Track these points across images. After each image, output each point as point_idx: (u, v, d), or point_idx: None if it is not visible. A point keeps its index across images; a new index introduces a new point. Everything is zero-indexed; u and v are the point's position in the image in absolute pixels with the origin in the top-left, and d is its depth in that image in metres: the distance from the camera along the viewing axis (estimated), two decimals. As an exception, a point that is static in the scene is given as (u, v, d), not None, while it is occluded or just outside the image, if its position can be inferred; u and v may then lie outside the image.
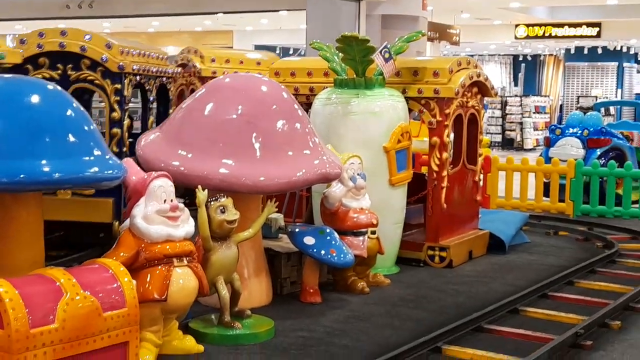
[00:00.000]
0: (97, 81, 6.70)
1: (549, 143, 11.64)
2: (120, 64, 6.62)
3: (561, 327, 5.12)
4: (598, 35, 23.11)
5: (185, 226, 4.59)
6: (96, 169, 4.37)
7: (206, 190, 4.97)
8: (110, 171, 4.51)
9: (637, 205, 9.77)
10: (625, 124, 12.88)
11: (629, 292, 5.96)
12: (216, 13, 22.30)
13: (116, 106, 6.68)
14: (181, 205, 4.62)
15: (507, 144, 26.14)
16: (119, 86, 6.67)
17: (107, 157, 4.51)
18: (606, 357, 4.79)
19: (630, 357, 4.81)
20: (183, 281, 4.52)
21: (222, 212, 5.00)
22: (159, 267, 4.47)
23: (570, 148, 11.12)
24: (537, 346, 4.69)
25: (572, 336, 4.87)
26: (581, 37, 23.48)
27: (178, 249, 4.52)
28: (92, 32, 6.84)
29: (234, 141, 5.36)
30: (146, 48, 7.32)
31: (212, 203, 4.99)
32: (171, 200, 4.57)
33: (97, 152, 4.41)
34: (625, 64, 29.41)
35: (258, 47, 27.00)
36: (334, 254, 5.80)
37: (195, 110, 5.57)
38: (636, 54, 29.97)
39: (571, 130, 11.37)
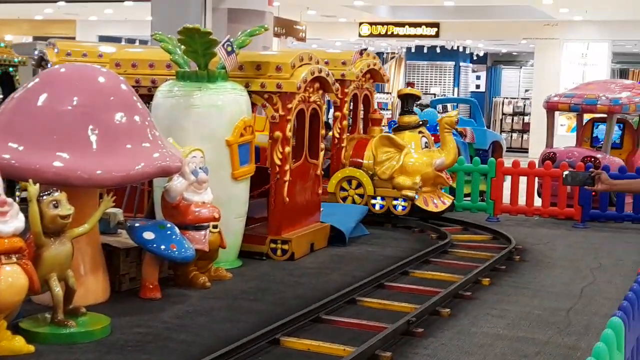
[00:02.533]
0: None
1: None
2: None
3: (395, 316, 5.31)
4: (437, 35, 24.08)
5: (14, 222, 4.42)
6: None
7: (37, 184, 4.78)
8: None
9: (469, 199, 10.27)
10: (459, 120, 13.48)
11: (459, 281, 6.26)
12: (57, 1, 21.44)
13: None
14: (10, 200, 4.44)
15: (352, 139, 26.63)
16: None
17: None
18: (436, 343, 5.01)
19: (458, 342, 5.06)
20: (12, 279, 4.36)
21: (55, 206, 4.83)
22: (-14, 264, 4.27)
23: None
24: (372, 335, 4.85)
25: (404, 324, 5.07)
26: (421, 36, 24.38)
27: (6, 245, 4.35)
28: None
29: (69, 133, 5.19)
30: None
31: (44, 197, 4.81)
32: (-1, 195, 4.37)
33: None
34: (461, 64, 30.81)
35: (102, 39, 26.18)
36: (175, 249, 5.75)
37: (28, 101, 5.34)
38: (471, 53, 31.46)
39: None
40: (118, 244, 5.98)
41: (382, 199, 9.01)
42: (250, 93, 7.05)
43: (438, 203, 8.97)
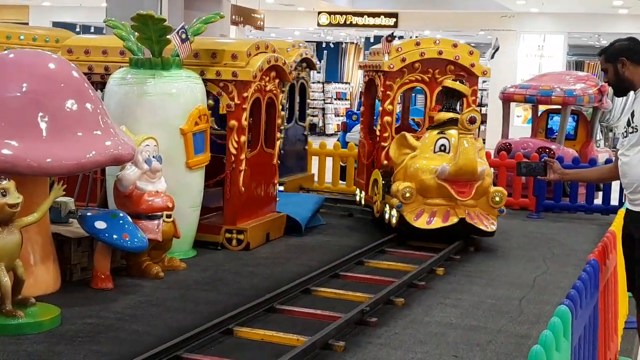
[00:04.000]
0: None
1: (346, 128, 11.99)
2: None
3: (350, 306, 5.31)
4: (395, 25, 24.11)
5: (-41, 210, 4.30)
6: None
7: (-15, 172, 4.68)
8: None
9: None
10: (416, 110, 13.56)
11: (413, 271, 6.29)
12: (9, -15, 20.98)
13: None
14: (-45, 188, 4.32)
15: (310, 129, 26.67)
16: None
17: None
18: (389, 332, 5.02)
19: (412, 331, 5.08)
20: (-43, 269, 4.23)
21: (4, 195, 4.73)
22: None
23: None
24: (326, 325, 4.84)
25: (358, 314, 5.07)
26: (379, 26, 24.38)
27: (-49, 234, 4.23)
28: None
29: (17, 120, 5.08)
30: None
31: (-9, 186, 4.71)
32: (-57, 183, 4.26)
33: None
34: (419, 54, 30.86)
35: (57, 25, 25.69)
36: (127, 239, 5.68)
37: (-26, 87, 5.21)
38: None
39: None
40: (69, 234, 5.88)
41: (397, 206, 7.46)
42: (205, 81, 6.98)
43: (436, 221, 7.28)
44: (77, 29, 25.35)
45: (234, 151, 7.07)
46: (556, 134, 11.42)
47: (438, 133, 7.47)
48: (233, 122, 7.02)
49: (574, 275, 6.60)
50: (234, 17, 17.04)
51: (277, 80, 7.68)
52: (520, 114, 22.04)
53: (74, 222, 6.02)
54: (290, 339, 4.71)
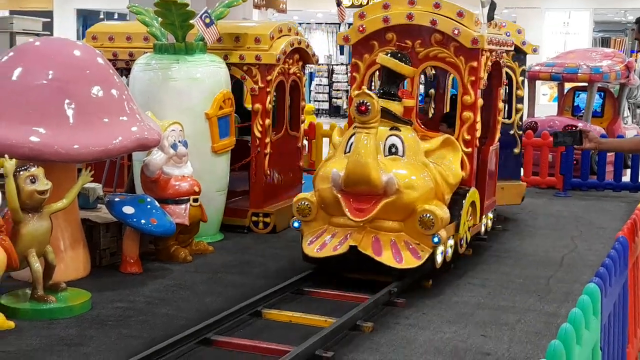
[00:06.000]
0: None
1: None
2: None
3: (378, 287, 5.30)
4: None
5: (-10, 198, 4.36)
6: None
7: (14, 160, 4.73)
8: None
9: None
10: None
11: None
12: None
13: None
14: (-15, 176, 4.38)
15: (334, 111, 26.67)
16: None
17: None
18: (417, 313, 5.03)
19: (439, 312, 5.08)
20: (-11, 255, 4.30)
21: (33, 182, 4.78)
22: (-38, 241, 4.23)
23: None
24: (354, 306, 4.85)
25: (386, 294, 5.08)
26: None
27: (-18, 221, 4.29)
28: None
29: (44, 108, 5.12)
30: None
31: (21, 173, 4.76)
32: (-27, 171, 4.32)
33: None
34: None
35: (81, 11, 25.88)
36: (155, 223, 5.72)
37: (2, 75, 5.26)
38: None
39: None
40: (98, 219, 5.94)
41: None
42: (229, 65, 6.98)
43: (328, 247, 5.38)
44: (101, 16, 25.48)
45: (258, 134, 7.08)
46: (583, 111, 11.29)
47: (359, 127, 5.15)
48: (257, 106, 7.03)
49: (602, 253, 6.55)
50: (256, 0, 17.02)
51: (300, 63, 7.67)
52: (546, 92, 21.84)
53: (102, 207, 6.08)
54: (318, 320, 4.73)
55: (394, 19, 5.99)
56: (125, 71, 7.22)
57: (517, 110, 7.86)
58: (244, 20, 11.18)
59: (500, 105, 6.72)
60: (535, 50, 8.03)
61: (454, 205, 5.61)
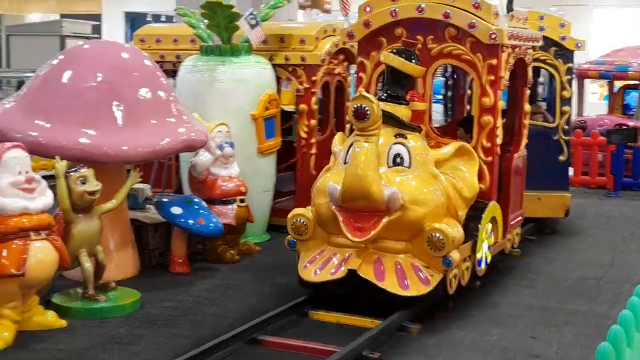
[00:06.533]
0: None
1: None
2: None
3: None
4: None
5: (42, 198, 4.45)
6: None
7: (65, 161, 4.82)
8: (-41, 142, 4.29)
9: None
10: None
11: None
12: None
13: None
14: (37, 177, 4.47)
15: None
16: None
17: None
18: (465, 314, 5.00)
19: (487, 313, 5.04)
20: (41, 255, 4.39)
21: (83, 183, 4.86)
22: (15, 241, 4.32)
23: None
24: (400, 308, 4.82)
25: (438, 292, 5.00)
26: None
27: (35, 222, 4.38)
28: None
29: (94, 110, 5.21)
30: None
31: (72, 174, 4.84)
32: (26, 172, 4.40)
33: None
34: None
35: (129, 14, 26.19)
36: (202, 223, 5.77)
37: (52, 79, 5.36)
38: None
39: None
40: (146, 219, 6.01)
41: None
42: (274, 66, 7.01)
43: (325, 270, 4.88)
44: (149, 18, 25.77)
45: (304, 135, 7.10)
46: (633, 110, 11.10)
47: (358, 135, 4.63)
48: (303, 106, 7.05)
49: (654, 254, 6.44)
50: (301, 1, 17.05)
51: (345, 64, 7.66)
52: (596, 91, 21.48)
53: (151, 208, 6.15)
54: (365, 321, 4.72)
55: (403, 12, 5.39)
56: (172, 73, 7.30)
57: (563, 113, 7.17)
58: (288, 22, 11.23)
59: (527, 107, 6.02)
60: (578, 46, 7.23)
61: (470, 222, 5.01)
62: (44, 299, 4.79)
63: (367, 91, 5.35)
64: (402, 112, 5.00)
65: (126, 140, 5.15)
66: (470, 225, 5.02)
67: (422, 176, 4.78)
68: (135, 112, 5.28)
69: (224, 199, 6.11)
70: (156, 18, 26.20)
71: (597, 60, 11.64)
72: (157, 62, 6.51)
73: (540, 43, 6.25)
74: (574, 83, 11.69)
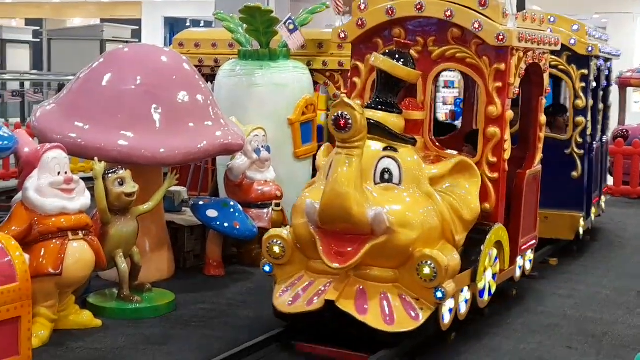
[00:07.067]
0: None
1: (454, 117, 11.85)
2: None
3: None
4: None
5: (80, 199, 4.50)
6: (-15, 139, 4.21)
7: (103, 162, 4.86)
8: (1, 142, 4.35)
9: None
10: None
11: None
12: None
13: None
14: (76, 178, 4.52)
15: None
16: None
17: (-3, 127, 4.36)
18: (502, 321, 4.94)
19: (524, 321, 4.97)
20: (79, 255, 4.44)
21: (121, 184, 4.90)
22: (53, 240, 4.38)
23: None
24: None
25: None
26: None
27: (73, 222, 4.43)
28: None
29: (132, 112, 5.25)
30: None
31: (109, 175, 4.89)
32: (65, 173, 4.46)
33: (-15, 123, 4.25)
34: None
35: (168, 19, 26.48)
36: (238, 227, 5.78)
37: (92, 81, 5.42)
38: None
39: None
40: (182, 222, 6.05)
41: None
42: (312, 71, 7.02)
43: (302, 300, 4.35)
44: (188, 23, 26.01)
45: (341, 140, 7.06)
46: (676, 119, 10.91)
47: (339, 148, 4.04)
48: (340, 112, 7.01)
49: (696, 265, 6.32)
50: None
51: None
52: (638, 100, 21.17)
53: (187, 210, 6.18)
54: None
55: (400, 11, 4.84)
56: (210, 77, 7.34)
57: (576, 125, 6.58)
58: (327, 27, 11.24)
59: (542, 119, 5.41)
60: (590, 50, 6.56)
61: (471, 248, 4.49)
62: (80, 299, 4.84)
63: (362, 99, 4.93)
64: (393, 121, 4.43)
65: (164, 143, 5.18)
66: (471, 251, 4.49)
67: (413, 195, 4.23)
68: (173, 115, 5.32)
69: (259, 203, 6.12)
70: (195, 23, 26.46)
71: (640, 69, 11.48)
72: (196, 66, 6.56)
73: (559, 47, 5.59)
74: (615, 91, 11.59)
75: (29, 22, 24.99)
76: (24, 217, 4.37)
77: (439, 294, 4.06)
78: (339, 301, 4.11)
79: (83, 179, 4.70)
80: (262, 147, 6.17)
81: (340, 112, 3.94)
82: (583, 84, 6.56)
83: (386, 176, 4.24)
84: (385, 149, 4.29)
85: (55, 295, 4.43)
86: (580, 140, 6.59)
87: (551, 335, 4.74)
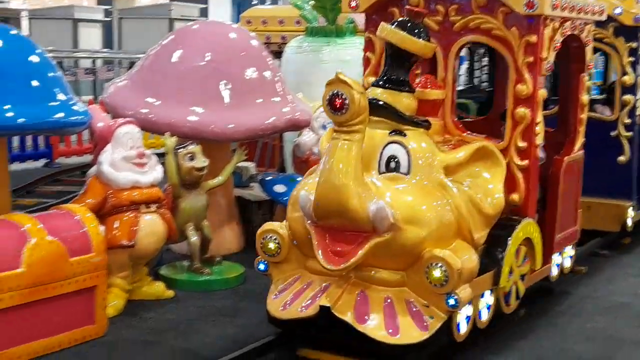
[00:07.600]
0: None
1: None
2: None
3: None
4: None
5: (152, 173, 4.61)
6: (61, 114, 4.31)
7: (174, 137, 4.96)
8: (76, 117, 4.45)
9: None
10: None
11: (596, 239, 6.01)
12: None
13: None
14: (148, 152, 4.62)
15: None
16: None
17: (72, 102, 4.46)
18: (570, 300, 4.88)
19: (593, 300, 4.91)
20: (151, 227, 4.56)
21: (191, 159, 4.99)
22: (127, 213, 4.50)
23: None
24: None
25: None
26: None
27: (145, 195, 4.54)
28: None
29: (202, 88, 5.33)
30: None
31: (180, 150, 4.98)
32: (138, 147, 4.56)
33: (61, 98, 4.35)
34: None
35: (234, -2, 26.60)
36: (305, 202, 5.81)
37: (163, 58, 5.52)
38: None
39: None
40: (250, 197, 6.12)
41: None
42: (379, 47, 6.96)
43: (295, 305, 3.85)
44: (254, 1, 26.09)
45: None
46: None
47: (336, 132, 3.55)
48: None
49: None
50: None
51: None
52: None
53: (255, 185, 6.26)
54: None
55: None
56: (277, 54, 7.38)
57: (624, 104, 5.95)
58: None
59: (584, 98, 4.81)
60: (637, 20, 5.85)
61: (494, 246, 3.96)
62: (153, 271, 4.97)
63: (376, 76, 4.25)
64: (403, 101, 3.83)
65: (232, 119, 5.25)
66: (494, 250, 3.96)
67: (423, 186, 3.66)
68: (241, 91, 5.38)
69: (326, 179, 6.13)
70: (262, 0, 26.53)
71: None
72: (264, 43, 6.60)
73: (604, 17, 4.84)
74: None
75: (99, 1, 25.43)
76: (99, 190, 4.50)
77: (452, 301, 3.52)
78: (336, 307, 3.58)
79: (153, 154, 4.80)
80: (329, 123, 6.17)
81: (335, 91, 3.42)
82: (631, 59, 5.90)
83: (392, 164, 3.71)
84: (392, 133, 3.76)
85: (128, 267, 4.56)
86: (628, 121, 5.94)
87: (620, 315, 4.67)
